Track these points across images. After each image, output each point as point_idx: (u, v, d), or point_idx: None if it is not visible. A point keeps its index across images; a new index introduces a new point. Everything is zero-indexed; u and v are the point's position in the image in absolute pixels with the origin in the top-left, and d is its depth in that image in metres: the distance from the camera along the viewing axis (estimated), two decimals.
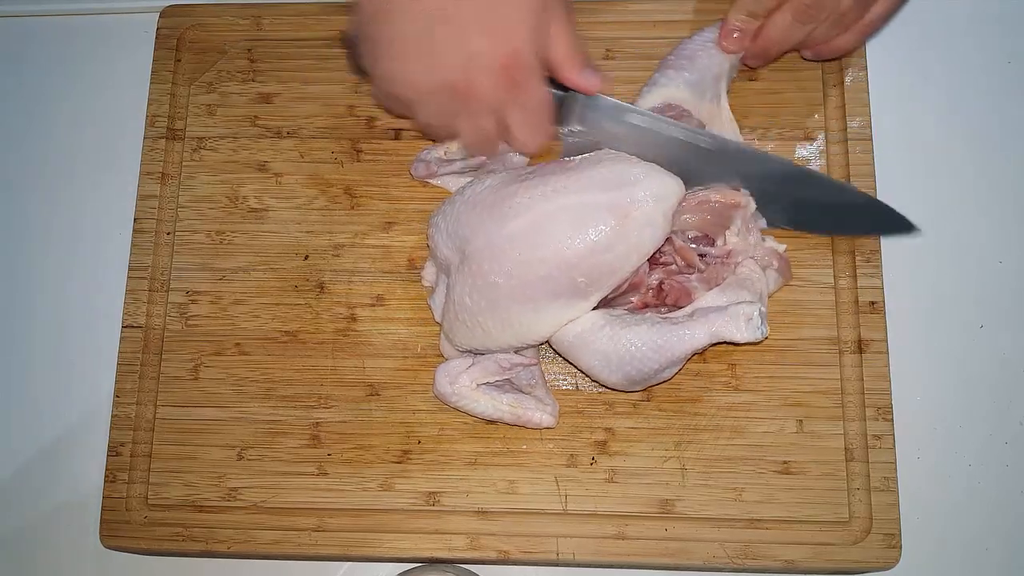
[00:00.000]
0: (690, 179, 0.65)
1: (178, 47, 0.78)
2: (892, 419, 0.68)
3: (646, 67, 0.74)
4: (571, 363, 0.67)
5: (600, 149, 0.67)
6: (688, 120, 0.67)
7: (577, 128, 0.67)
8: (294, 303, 0.72)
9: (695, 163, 0.66)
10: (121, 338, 0.72)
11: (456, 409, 0.67)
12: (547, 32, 0.62)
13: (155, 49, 0.78)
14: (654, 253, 0.64)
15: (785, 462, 0.67)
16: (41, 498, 0.73)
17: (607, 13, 0.76)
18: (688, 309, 0.65)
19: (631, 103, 0.68)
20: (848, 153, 0.72)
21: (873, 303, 0.69)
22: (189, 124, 0.76)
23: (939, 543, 0.69)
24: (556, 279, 0.63)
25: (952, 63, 0.78)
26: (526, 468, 0.68)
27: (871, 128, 0.72)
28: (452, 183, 0.72)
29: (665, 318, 0.64)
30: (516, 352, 0.67)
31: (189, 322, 0.72)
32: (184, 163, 0.75)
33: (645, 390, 0.68)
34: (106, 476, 0.70)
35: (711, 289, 0.65)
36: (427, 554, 0.67)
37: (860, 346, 0.69)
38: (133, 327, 0.72)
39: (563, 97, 0.66)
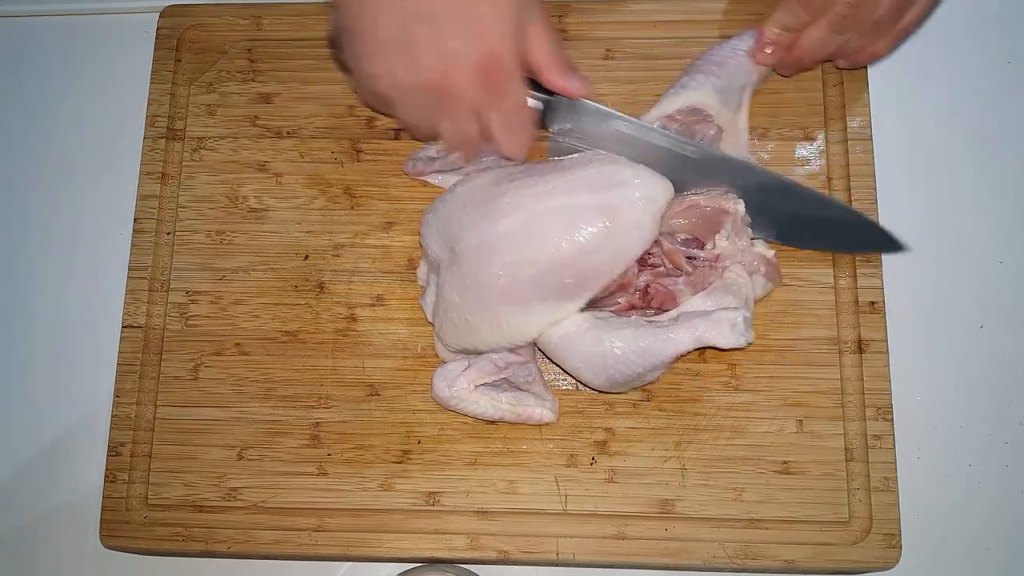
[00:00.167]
0: (677, 184, 0.65)
1: (178, 47, 0.78)
2: (892, 419, 0.68)
3: (646, 67, 0.74)
4: (556, 364, 0.67)
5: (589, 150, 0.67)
6: (707, 126, 0.67)
7: (563, 130, 0.67)
8: (294, 303, 0.72)
9: (679, 170, 0.66)
10: (121, 338, 0.72)
11: (455, 411, 0.67)
12: (526, 33, 0.62)
13: (155, 49, 0.78)
14: (643, 255, 0.65)
15: (785, 462, 0.67)
16: (41, 498, 0.73)
17: (607, 13, 0.76)
18: (673, 313, 0.65)
19: (655, 102, 0.68)
20: (848, 153, 0.72)
21: (873, 303, 0.69)
22: (189, 124, 0.76)
23: (939, 543, 0.69)
24: (544, 279, 0.63)
25: (952, 63, 0.78)
26: (526, 468, 0.68)
27: (871, 128, 0.72)
28: (447, 181, 0.72)
29: (650, 321, 0.64)
30: (508, 351, 0.67)
31: (189, 322, 0.72)
32: (184, 163, 0.75)
33: (645, 390, 0.69)
34: (106, 476, 0.70)
35: (697, 293, 0.65)
36: (427, 554, 0.67)
37: (860, 346, 0.69)
38: (133, 327, 0.72)
39: (547, 100, 0.66)
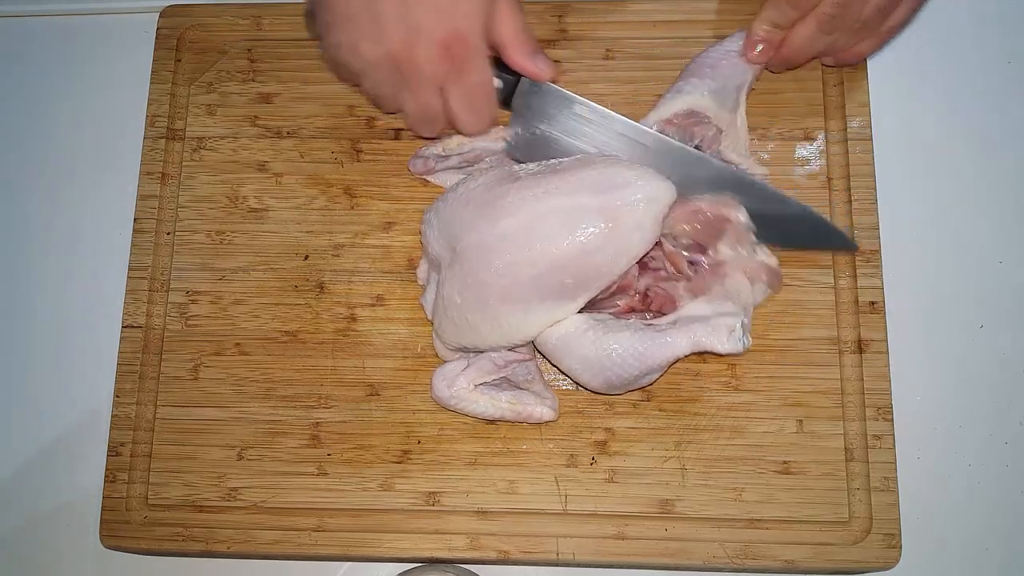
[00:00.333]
0: (677, 186, 0.65)
1: (178, 47, 0.78)
2: (892, 419, 0.68)
3: (646, 67, 0.74)
4: (553, 364, 0.67)
5: (540, 135, 0.67)
6: (706, 128, 0.68)
7: (525, 111, 0.67)
8: (294, 303, 0.72)
9: (639, 159, 0.66)
10: (121, 338, 0.72)
11: (456, 412, 0.67)
12: (494, 11, 0.62)
13: (155, 49, 0.78)
14: (644, 257, 0.65)
15: (785, 462, 0.67)
16: (41, 498, 0.73)
17: (607, 13, 0.76)
18: (672, 317, 0.65)
19: (655, 103, 0.68)
20: (848, 153, 0.72)
21: (873, 303, 0.69)
22: (189, 124, 0.76)
23: (939, 543, 0.69)
24: (545, 280, 0.63)
25: (952, 63, 0.78)
26: (526, 468, 0.68)
27: (871, 128, 0.72)
28: (449, 180, 0.72)
29: (648, 325, 0.64)
30: (508, 350, 0.67)
31: (189, 322, 0.72)
32: (184, 163, 0.75)
33: (645, 390, 0.69)
34: (106, 476, 0.70)
35: (697, 298, 0.65)
36: (427, 554, 0.67)
37: (860, 346, 0.69)
38: (133, 327, 0.72)
39: (511, 80, 0.66)
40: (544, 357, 0.68)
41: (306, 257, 0.73)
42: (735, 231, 0.66)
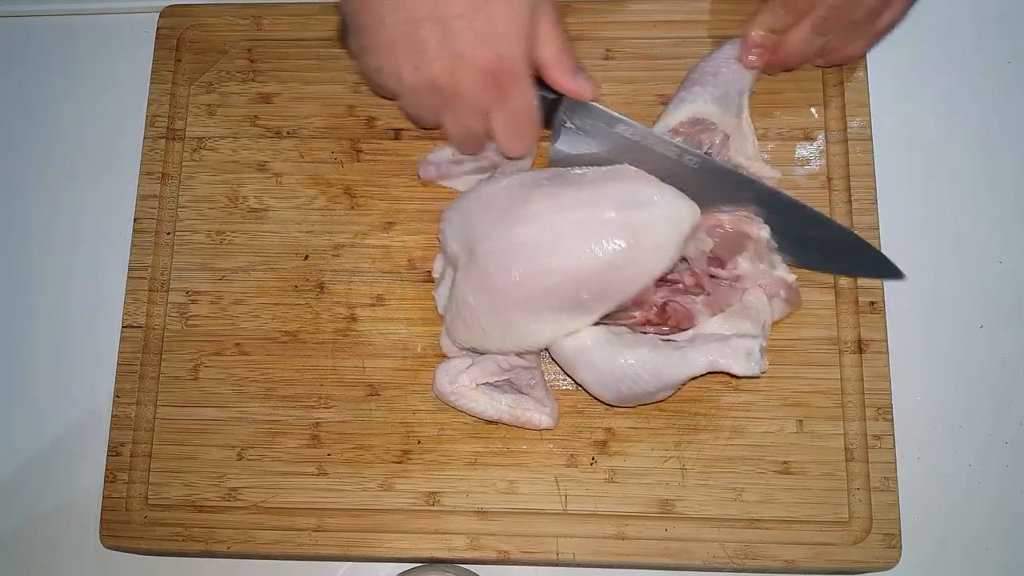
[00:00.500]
0: (697, 199, 0.64)
1: (178, 47, 0.78)
2: (892, 419, 0.68)
3: (646, 67, 0.74)
4: (566, 373, 0.67)
5: (582, 155, 0.66)
6: (713, 134, 0.67)
7: (568, 129, 0.66)
8: (294, 303, 0.72)
9: (688, 182, 0.65)
10: (121, 338, 0.72)
11: (455, 408, 0.67)
12: (536, 32, 0.61)
13: (155, 49, 0.78)
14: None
15: (785, 462, 0.67)
16: (41, 498, 0.73)
17: (607, 13, 0.76)
18: (689, 334, 0.65)
19: (662, 109, 0.68)
20: (848, 153, 0.72)
21: (873, 303, 0.69)
22: (189, 124, 0.76)
23: (939, 543, 0.69)
24: (560, 292, 0.62)
25: (952, 63, 0.78)
26: (526, 468, 0.68)
27: (871, 128, 0.72)
28: (462, 185, 0.72)
29: (666, 340, 0.64)
30: (516, 355, 0.67)
31: (189, 322, 0.72)
32: (184, 163, 0.75)
33: None
34: (106, 476, 0.70)
35: (715, 314, 0.65)
36: (427, 554, 0.67)
37: (860, 346, 0.69)
38: (133, 327, 0.72)
39: (554, 100, 0.65)
40: (558, 365, 0.67)
41: (306, 257, 0.73)
42: (756, 247, 0.66)
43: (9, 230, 0.78)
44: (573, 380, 0.67)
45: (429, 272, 0.71)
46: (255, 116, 0.76)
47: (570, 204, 0.63)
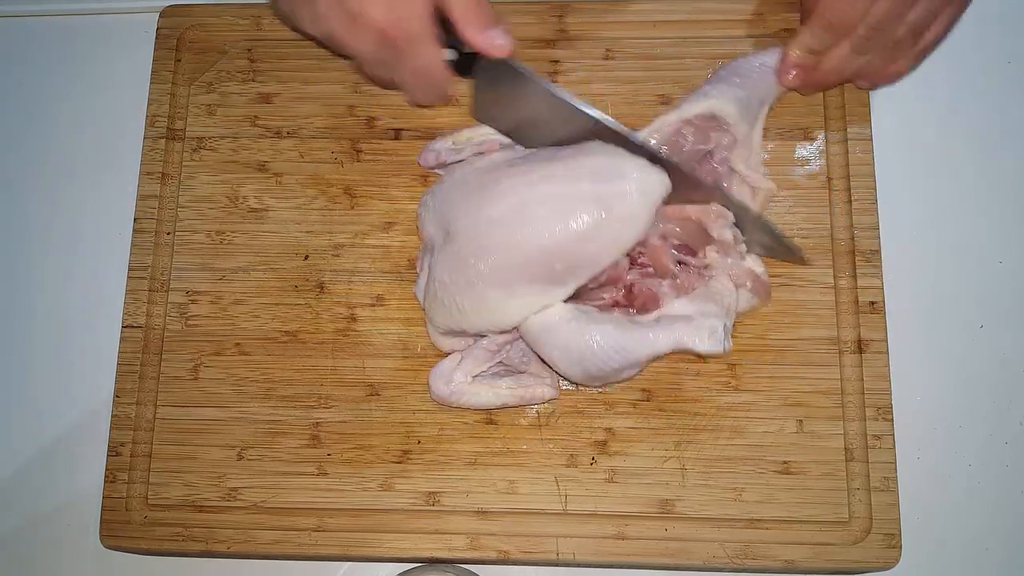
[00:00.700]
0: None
1: (178, 47, 0.78)
2: (892, 419, 0.68)
3: (646, 67, 0.74)
4: (535, 352, 0.67)
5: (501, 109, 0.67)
6: (722, 134, 0.67)
7: (484, 85, 0.66)
8: (294, 303, 0.72)
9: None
10: (121, 338, 0.72)
11: (459, 407, 0.67)
12: None
13: (155, 49, 0.78)
14: (633, 253, 0.65)
15: (785, 462, 0.67)
16: (41, 498, 0.73)
17: (607, 13, 0.76)
18: (655, 314, 0.65)
19: (655, 102, 0.69)
20: (848, 153, 0.72)
21: (873, 303, 0.69)
22: (189, 124, 0.76)
23: (939, 543, 0.69)
24: (534, 264, 0.63)
25: (952, 63, 0.78)
26: (526, 468, 0.68)
27: (871, 128, 0.72)
28: None
29: (632, 320, 0.64)
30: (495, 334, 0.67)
31: (189, 322, 0.72)
32: (184, 163, 0.75)
33: (645, 390, 0.69)
34: (106, 476, 0.70)
35: (680, 297, 0.65)
36: (427, 554, 0.67)
37: (860, 346, 0.69)
38: (133, 327, 0.72)
39: (470, 55, 0.64)
40: (526, 343, 0.67)
41: (306, 257, 0.73)
42: (720, 245, 0.66)
43: (9, 230, 0.78)
44: (540, 358, 0.67)
45: None
46: (255, 116, 0.76)
47: (542, 178, 0.63)
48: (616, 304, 0.66)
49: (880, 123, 0.73)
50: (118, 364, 0.72)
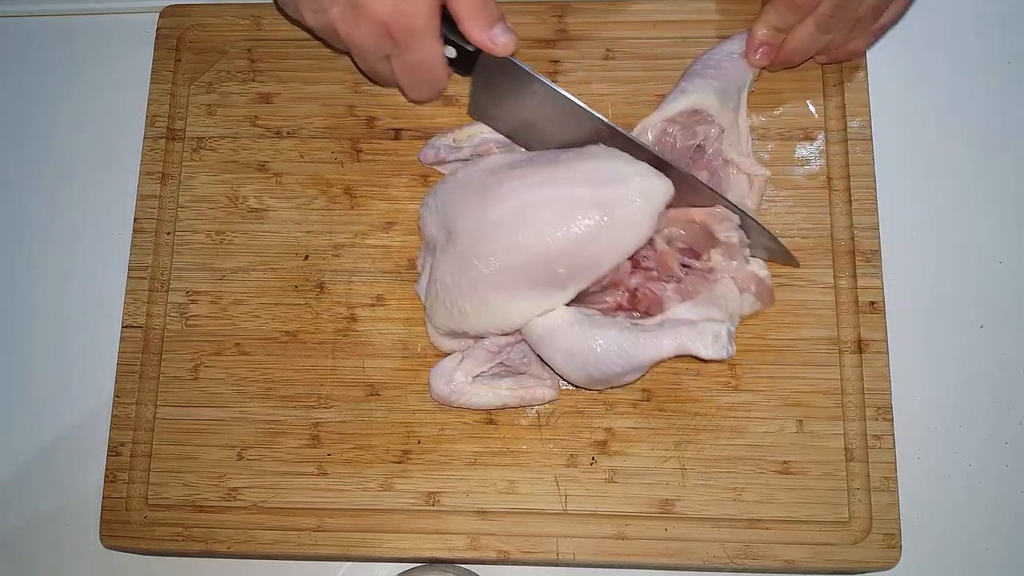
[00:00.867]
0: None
1: (178, 47, 0.78)
2: (892, 419, 0.68)
3: (646, 67, 0.74)
4: (538, 355, 0.67)
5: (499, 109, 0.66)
6: (709, 126, 0.68)
7: (483, 83, 0.66)
8: (294, 303, 0.72)
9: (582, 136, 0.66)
10: (121, 338, 0.72)
11: (459, 407, 0.67)
12: None
13: (155, 49, 0.78)
14: (637, 256, 0.65)
15: (785, 462, 0.67)
16: (41, 498, 0.73)
17: (607, 13, 0.76)
18: (658, 318, 0.65)
19: (657, 103, 0.68)
20: (848, 153, 0.72)
21: (873, 303, 0.69)
22: (189, 124, 0.76)
23: (939, 543, 0.69)
24: (536, 268, 0.63)
25: (952, 63, 0.78)
26: (526, 468, 0.68)
27: (871, 128, 0.72)
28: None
29: (635, 324, 0.64)
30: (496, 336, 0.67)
31: (189, 322, 0.72)
32: (184, 163, 0.75)
33: (645, 390, 0.69)
34: (106, 476, 0.70)
35: (684, 301, 0.65)
36: (427, 554, 0.67)
37: (860, 346, 0.69)
38: (133, 327, 0.72)
39: (473, 52, 0.64)
40: (529, 346, 0.67)
41: (306, 257, 0.73)
42: (726, 248, 0.66)
43: (9, 230, 0.78)
44: (543, 361, 0.67)
45: None
46: (255, 116, 0.76)
47: (544, 181, 0.63)
48: (619, 307, 0.66)
49: (880, 123, 0.73)
50: (118, 364, 0.72)
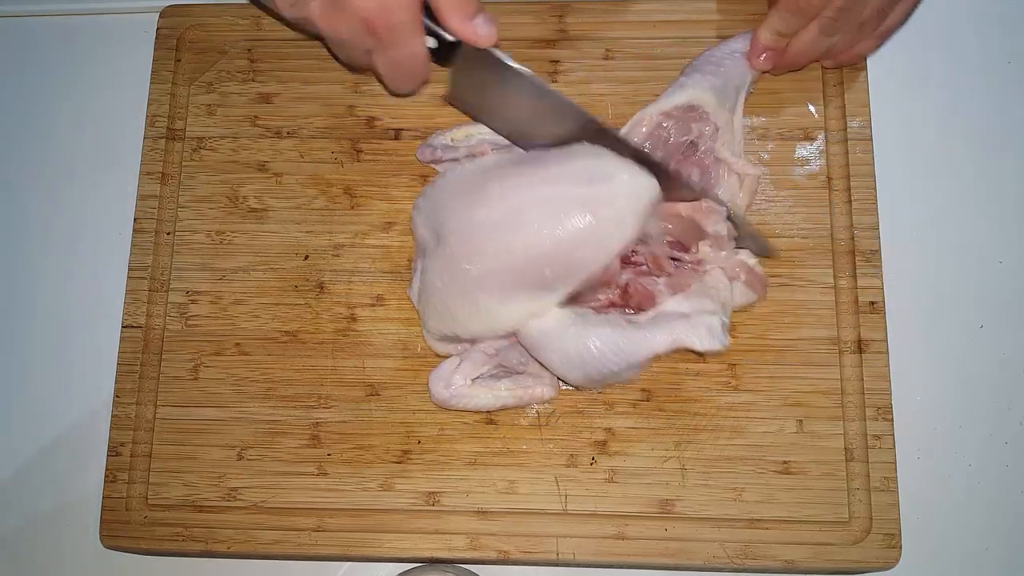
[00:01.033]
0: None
1: (178, 47, 0.78)
2: (892, 419, 0.68)
3: (646, 67, 0.74)
4: (535, 358, 0.67)
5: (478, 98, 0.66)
6: (704, 123, 0.68)
7: (464, 74, 0.65)
8: (294, 303, 0.72)
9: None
10: (121, 338, 0.72)
11: (459, 410, 0.67)
12: None
13: (155, 49, 0.78)
14: (627, 253, 0.65)
15: (785, 462, 0.67)
16: (41, 498, 0.73)
17: (607, 13, 0.76)
18: (651, 313, 0.65)
19: (657, 97, 0.68)
20: (848, 153, 0.72)
21: (873, 303, 0.69)
22: (189, 124, 0.76)
23: (939, 543, 0.69)
24: (523, 269, 0.63)
25: (952, 63, 0.78)
26: (526, 468, 0.68)
27: (871, 128, 0.72)
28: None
29: (628, 321, 0.64)
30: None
31: (189, 322, 0.72)
32: (184, 163, 0.75)
33: (645, 390, 0.69)
34: (106, 476, 0.70)
35: (676, 295, 0.65)
36: (427, 554, 0.67)
37: (860, 346, 0.69)
38: (133, 327, 0.72)
39: (453, 44, 0.63)
40: (525, 349, 0.67)
41: (306, 257, 0.73)
42: (714, 240, 0.66)
43: (9, 230, 0.78)
44: (540, 363, 0.67)
45: None
46: (255, 116, 0.76)
47: (531, 182, 0.63)
48: (612, 304, 0.66)
49: (880, 123, 0.73)
50: (118, 364, 0.72)
